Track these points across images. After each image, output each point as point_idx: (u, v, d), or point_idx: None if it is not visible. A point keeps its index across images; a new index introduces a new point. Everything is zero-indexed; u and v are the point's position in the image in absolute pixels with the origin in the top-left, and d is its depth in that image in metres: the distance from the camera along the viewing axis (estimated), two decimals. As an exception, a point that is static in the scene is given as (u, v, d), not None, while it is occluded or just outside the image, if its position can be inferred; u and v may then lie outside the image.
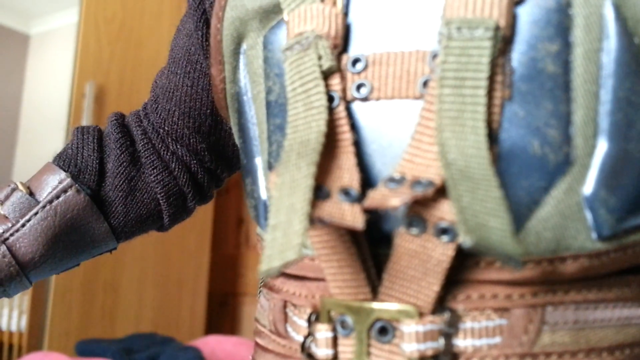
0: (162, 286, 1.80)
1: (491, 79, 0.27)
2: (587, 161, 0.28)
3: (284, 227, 0.25)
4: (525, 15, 0.28)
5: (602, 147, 0.28)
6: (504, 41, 0.28)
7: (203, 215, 1.92)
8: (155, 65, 1.82)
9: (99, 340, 1.38)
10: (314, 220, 0.26)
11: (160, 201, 0.44)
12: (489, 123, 0.27)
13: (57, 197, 0.41)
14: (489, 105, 0.27)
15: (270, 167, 0.33)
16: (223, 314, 2.28)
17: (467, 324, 0.28)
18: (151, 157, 0.43)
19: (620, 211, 0.28)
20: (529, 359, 0.27)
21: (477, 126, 0.27)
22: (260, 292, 0.38)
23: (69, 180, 0.41)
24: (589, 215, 0.28)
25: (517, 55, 0.28)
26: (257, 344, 0.36)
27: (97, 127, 0.45)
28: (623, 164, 0.28)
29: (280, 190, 0.27)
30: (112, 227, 0.43)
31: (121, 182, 0.43)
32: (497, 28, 0.27)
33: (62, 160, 0.43)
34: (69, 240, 0.41)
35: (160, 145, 0.44)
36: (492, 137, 0.27)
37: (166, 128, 0.43)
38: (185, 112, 0.43)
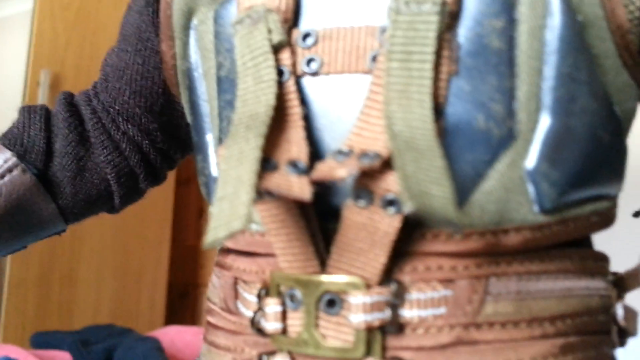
0: (120, 278, 1.78)
1: (438, 53, 0.28)
2: (530, 136, 0.28)
3: (231, 198, 0.25)
4: None
5: (545, 122, 0.28)
6: (450, 17, 0.28)
7: (163, 205, 1.90)
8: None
9: (55, 332, 1.35)
10: (261, 193, 0.26)
11: (111, 182, 0.43)
12: (436, 97, 0.28)
13: (2, 176, 0.40)
14: (436, 79, 0.28)
15: (221, 143, 0.33)
16: (183, 305, 2.26)
17: (413, 295, 0.28)
18: (101, 136, 0.43)
19: (562, 185, 0.29)
20: (473, 329, 0.28)
21: (423, 100, 0.27)
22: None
23: (14, 159, 0.40)
24: (531, 189, 0.28)
25: (464, 31, 0.28)
26: (208, 323, 0.36)
27: (44, 106, 0.44)
28: (565, 138, 0.29)
29: (228, 162, 0.27)
30: (60, 208, 0.42)
31: (69, 162, 0.42)
32: (444, 3, 0.28)
33: (8, 140, 0.42)
34: (14, 222, 0.40)
35: (110, 125, 0.43)
36: (439, 111, 0.28)
37: (117, 107, 0.43)
38: (136, 91, 0.42)
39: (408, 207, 0.23)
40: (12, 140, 0.42)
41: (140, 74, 0.42)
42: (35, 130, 0.42)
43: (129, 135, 0.43)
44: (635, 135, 0.36)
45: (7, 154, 0.40)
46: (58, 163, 0.42)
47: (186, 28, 0.35)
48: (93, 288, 1.66)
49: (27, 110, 0.43)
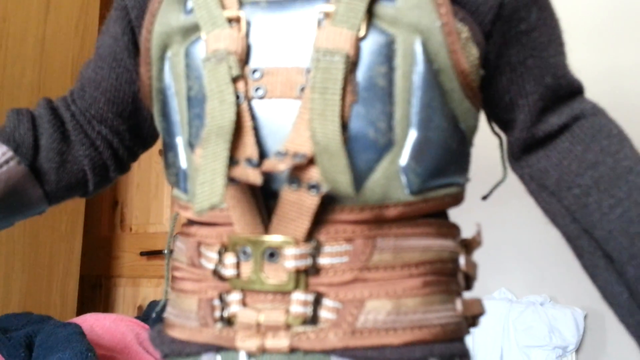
0: (31, 269, 1.77)
1: (344, 89, 0.42)
2: (403, 143, 0.43)
3: (210, 183, 0.38)
4: (366, 47, 0.42)
5: (412, 134, 0.43)
6: (352, 64, 0.42)
7: (75, 198, 1.91)
8: (23, 41, 1.74)
9: (-29, 322, 1.36)
10: (227, 180, 0.39)
11: (87, 172, 0.54)
12: (342, 117, 0.41)
13: (1, 167, 0.50)
14: (342, 106, 0.41)
15: (190, 144, 0.45)
16: (96, 296, 2.27)
17: (326, 249, 0.42)
18: (79, 135, 0.53)
19: (424, 176, 0.44)
20: (365, 271, 0.42)
21: (334, 120, 0.41)
22: (174, 240, 0.50)
23: (10, 153, 0.50)
24: (403, 178, 0.43)
25: (360, 74, 0.42)
26: (174, 277, 0.48)
27: (28, 109, 0.54)
28: (425, 146, 0.43)
29: (205, 159, 0.40)
30: (45, 193, 0.52)
31: (54, 155, 0.52)
32: (348, 56, 0.42)
33: (2, 137, 0.52)
34: (8, 204, 0.50)
35: (87, 126, 0.54)
36: (344, 126, 0.42)
37: (92, 112, 0.54)
38: (110, 100, 0.53)
39: (324, 188, 0.37)
40: (5, 137, 0.51)
41: (114, 87, 0.53)
42: (24, 130, 0.52)
43: (102, 135, 0.54)
44: (482, 139, 0.52)
45: (4, 148, 0.50)
46: (44, 156, 0.52)
47: (162, 58, 0.47)
48: (1, 279, 1.66)
49: (15, 113, 0.53)
